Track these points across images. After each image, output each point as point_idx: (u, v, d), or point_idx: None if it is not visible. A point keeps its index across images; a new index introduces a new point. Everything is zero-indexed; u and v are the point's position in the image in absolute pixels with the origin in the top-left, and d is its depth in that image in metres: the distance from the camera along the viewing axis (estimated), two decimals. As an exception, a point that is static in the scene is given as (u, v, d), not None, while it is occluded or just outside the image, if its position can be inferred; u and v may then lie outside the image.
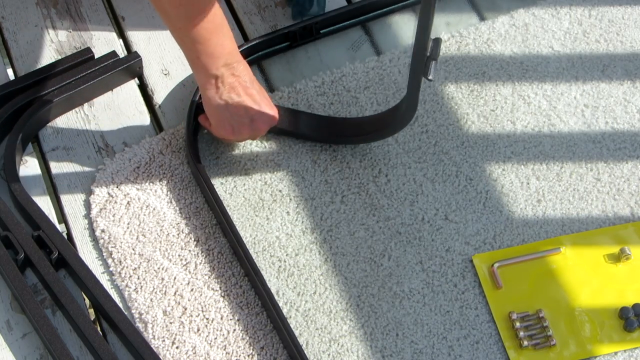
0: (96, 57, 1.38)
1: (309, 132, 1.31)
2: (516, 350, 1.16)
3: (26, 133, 1.30)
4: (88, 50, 1.38)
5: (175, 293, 1.20)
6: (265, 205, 1.27)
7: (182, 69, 1.40)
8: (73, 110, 1.36)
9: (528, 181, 1.29)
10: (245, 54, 1.38)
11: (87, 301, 1.21)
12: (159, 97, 1.38)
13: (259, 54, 1.40)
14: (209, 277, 1.21)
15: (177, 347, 1.16)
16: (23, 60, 1.40)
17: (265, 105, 1.23)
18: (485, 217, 1.26)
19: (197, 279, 1.21)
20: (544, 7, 1.46)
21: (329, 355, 1.16)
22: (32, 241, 1.20)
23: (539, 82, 1.38)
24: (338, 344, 1.17)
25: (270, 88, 1.39)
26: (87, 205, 1.27)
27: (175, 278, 1.21)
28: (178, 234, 1.24)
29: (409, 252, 1.23)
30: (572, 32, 1.43)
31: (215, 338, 1.17)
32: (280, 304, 1.19)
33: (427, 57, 1.08)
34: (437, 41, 1.08)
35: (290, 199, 1.28)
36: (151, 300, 1.19)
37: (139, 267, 1.21)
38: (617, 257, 1.23)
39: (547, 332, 1.17)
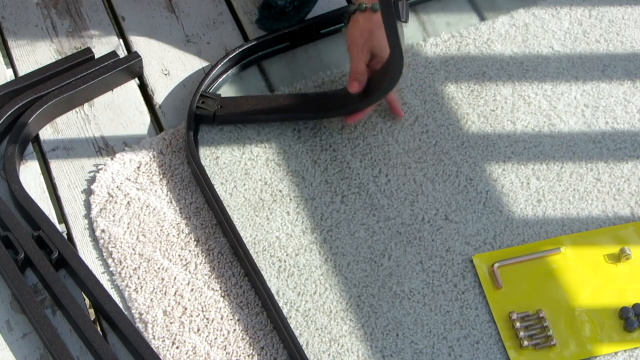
0: (96, 57, 1.38)
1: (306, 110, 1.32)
2: (516, 350, 1.16)
3: (26, 133, 1.30)
4: (88, 50, 1.38)
5: (175, 293, 1.20)
6: (265, 205, 1.27)
7: (182, 69, 1.40)
8: (73, 110, 1.36)
9: (528, 181, 1.29)
10: (245, 54, 1.38)
11: (87, 301, 1.21)
12: (159, 97, 1.38)
13: (259, 54, 1.40)
14: (209, 277, 1.21)
15: (177, 347, 1.16)
16: (23, 60, 1.40)
17: None
18: (486, 217, 1.26)
19: (197, 279, 1.21)
20: (544, 7, 1.46)
21: (329, 355, 1.16)
22: (32, 241, 1.20)
23: (539, 82, 1.38)
24: (338, 344, 1.17)
25: (270, 88, 1.39)
26: (87, 205, 1.27)
27: (175, 278, 1.21)
28: (178, 234, 1.24)
29: (409, 252, 1.23)
30: (572, 32, 1.43)
31: (216, 338, 1.17)
32: (280, 304, 1.19)
33: None
34: None
35: (290, 199, 1.28)
36: (151, 300, 1.19)
37: (139, 267, 1.21)
38: (617, 257, 1.23)
39: (547, 332, 1.17)
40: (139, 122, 1.35)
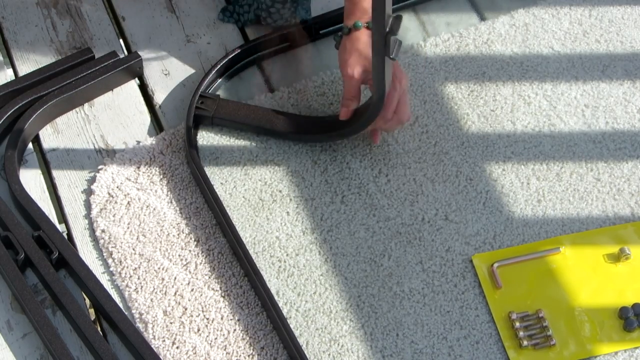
0: (96, 57, 1.38)
1: (284, 130, 1.31)
2: (516, 350, 1.16)
3: (26, 133, 1.30)
4: (88, 50, 1.38)
5: (175, 293, 1.20)
6: (265, 206, 1.27)
7: (182, 69, 1.40)
8: (73, 110, 1.36)
9: (528, 181, 1.29)
10: (245, 54, 1.38)
11: (87, 301, 1.21)
12: (159, 97, 1.38)
13: (259, 54, 1.40)
14: (209, 277, 1.21)
15: (177, 347, 1.16)
16: (23, 60, 1.40)
17: None
18: (485, 217, 1.26)
19: (197, 279, 1.21)
20: (544, 7, 1.46)
21: (329, 355, 1.16)
22: (32, 241, 1.20)
23: (539, 82, 1.38)
24: (338, 344, 1.17)
25: (270, 88, 1.39)
26: (87, 205, 1.27)
27: (175, 278, 1.21)
28: (178, 234, 1.24)
29: (409, 252, 1.23)
30: (572, 32, 1.43)
31: (216, 338, 1.17)
32: (280, 304, 1.19)
33: (387, 33, 1.07)
34: (398, 18, 1.07)
35: (290, 199, 1.28)
36: (151, 300, 1.19)
37: (139, 267, 1.22)
38: (617, 257, 1.23)
39: (546, 332, 1.17)
40: (139, 122, 1.35)
